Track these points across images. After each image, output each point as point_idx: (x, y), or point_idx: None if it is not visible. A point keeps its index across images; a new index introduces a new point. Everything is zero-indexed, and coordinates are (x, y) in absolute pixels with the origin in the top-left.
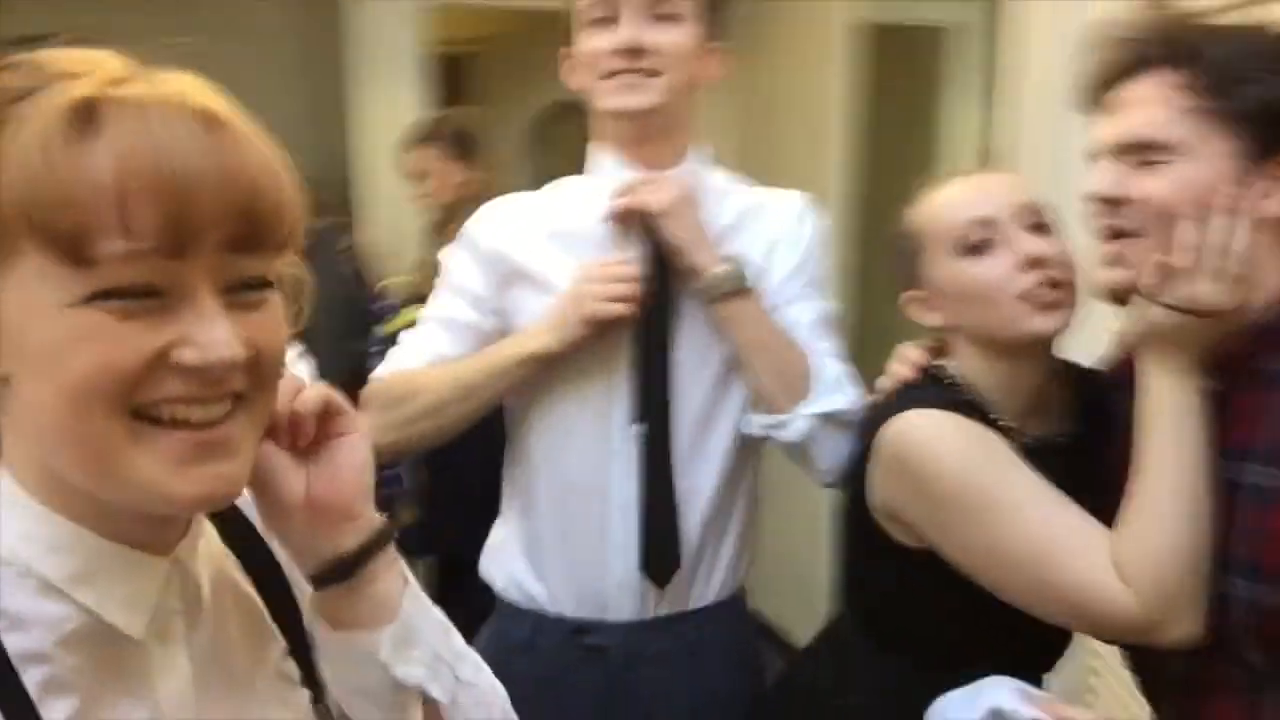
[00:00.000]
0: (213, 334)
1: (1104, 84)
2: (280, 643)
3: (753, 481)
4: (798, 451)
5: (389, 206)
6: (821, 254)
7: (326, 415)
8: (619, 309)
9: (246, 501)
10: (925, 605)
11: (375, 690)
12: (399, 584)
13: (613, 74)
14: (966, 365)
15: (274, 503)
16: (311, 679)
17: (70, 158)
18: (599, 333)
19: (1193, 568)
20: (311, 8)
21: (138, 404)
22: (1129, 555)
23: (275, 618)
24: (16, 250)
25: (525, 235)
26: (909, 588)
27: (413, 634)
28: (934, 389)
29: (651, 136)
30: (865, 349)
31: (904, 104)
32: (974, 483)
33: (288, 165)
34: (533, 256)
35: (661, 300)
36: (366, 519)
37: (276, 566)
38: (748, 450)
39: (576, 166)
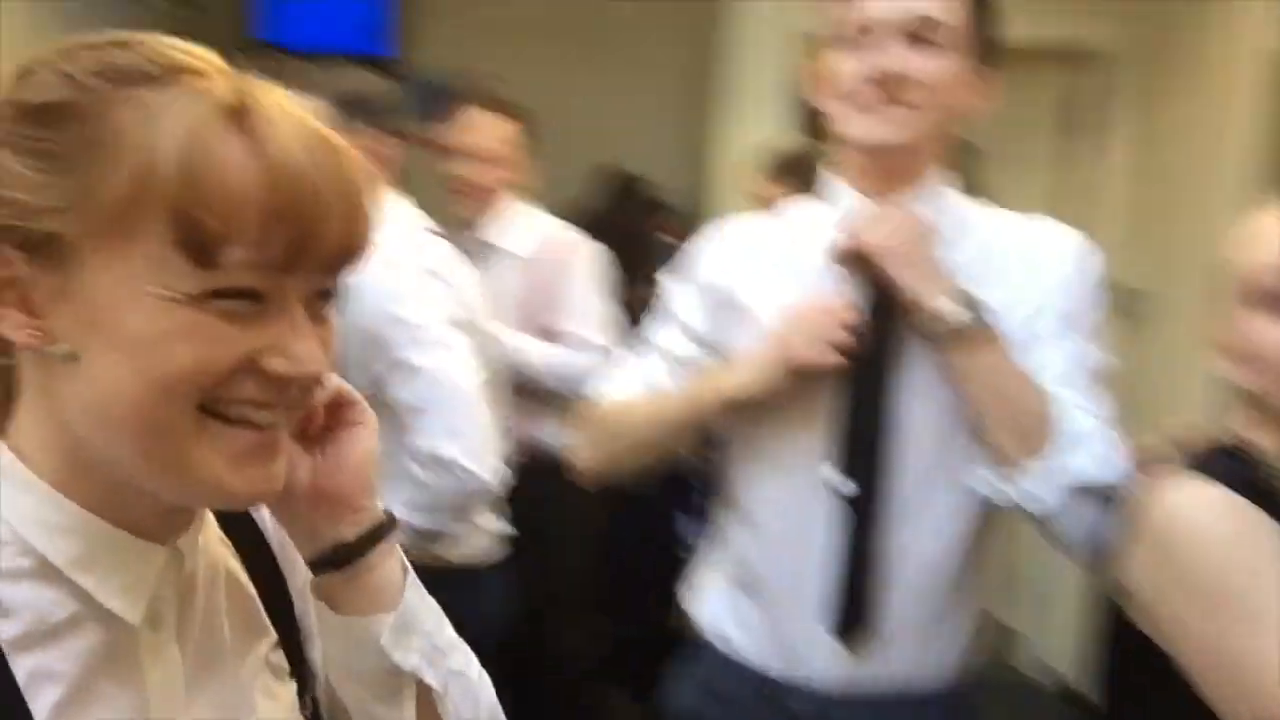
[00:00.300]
0: (304, 347)
1: None
2: (271, 635)
3: (993, 554)
4: (1040, 520)
5: None
6: (1093, 295)
7: (337, 404)
8: (824, 357)
9: None
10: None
11: (371, 675)
12: (398, 573)
13: (865, 102)
14: (1270, 438)
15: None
16: (299, 672)
17: (227, 159)
18: (803, 378)
19: None
20: (693, 43)
21: (210, 399)
22: None
23: (268, 609)
24: (136, 233)
25: (746, 264)
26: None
27: (412, 623)
28: (1226, 461)
29: (894, 171)
30: None
31: None
32: (1242, 583)
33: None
34: (751, 287)
35: (881, 344)
36: (368, 511)
37: (272, 558)
38: (987, 518)
39: None
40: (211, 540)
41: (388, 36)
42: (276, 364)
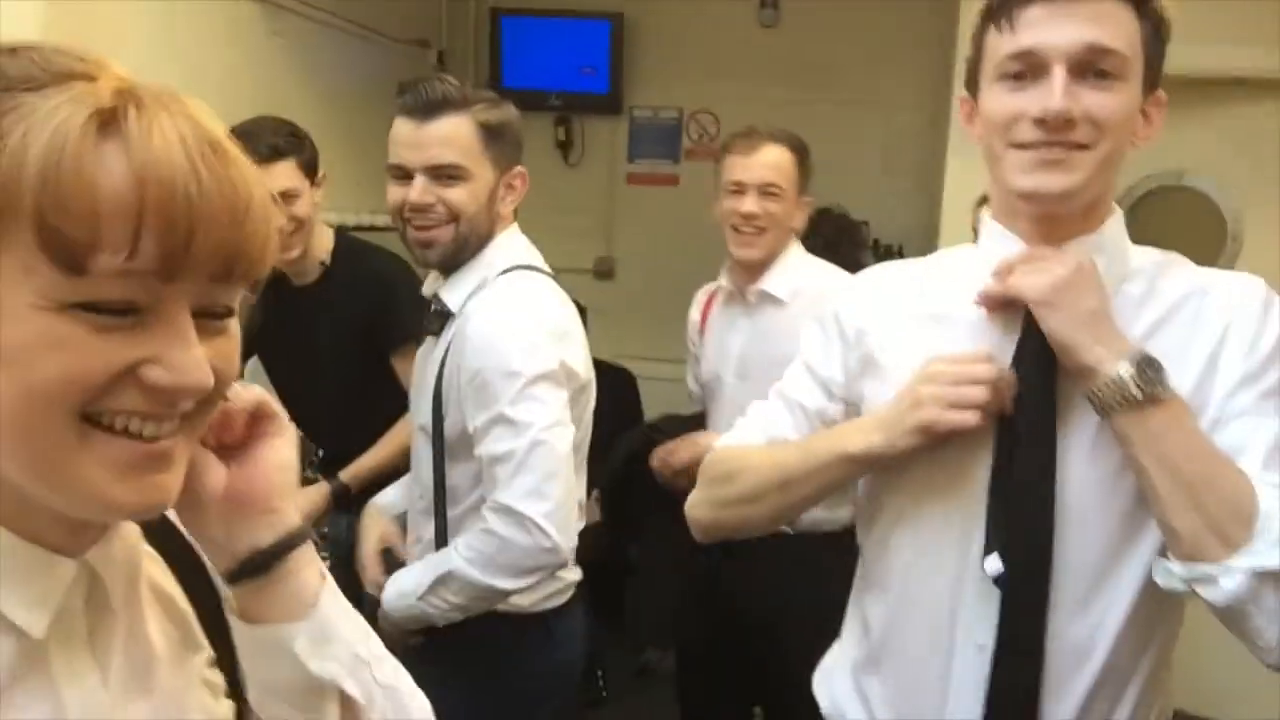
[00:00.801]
0: (187, 358)
1: None
2: (206, 650)
3: (1170, 645)
4: (1231, 616)
5: None
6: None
7: (257, 417)
8: (964, 418)
9: None
10: None
11: (289, 687)
12: (316, 581)
13: (1028, 145)
14: None
15: (191, 496)
16: (236, 691)
17: (93, 164)
18: (938, 444)
19: None
20: (934, 83)
21: (92, 410)
22: None
23: (203, 625)
24: (5, 240)
25: (888, 313)
26: None
27: (330, 631)
28: None
29: (1061, 217)
30: None
31: None
32: None
33: (273, 208)
34: (890, 338)
35: (1038, 410)
36: (284, 515)
37: (205, 574)
38: (1163, 603)
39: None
40: (134, 554)
41: (610, 76)
42: (156, 375)
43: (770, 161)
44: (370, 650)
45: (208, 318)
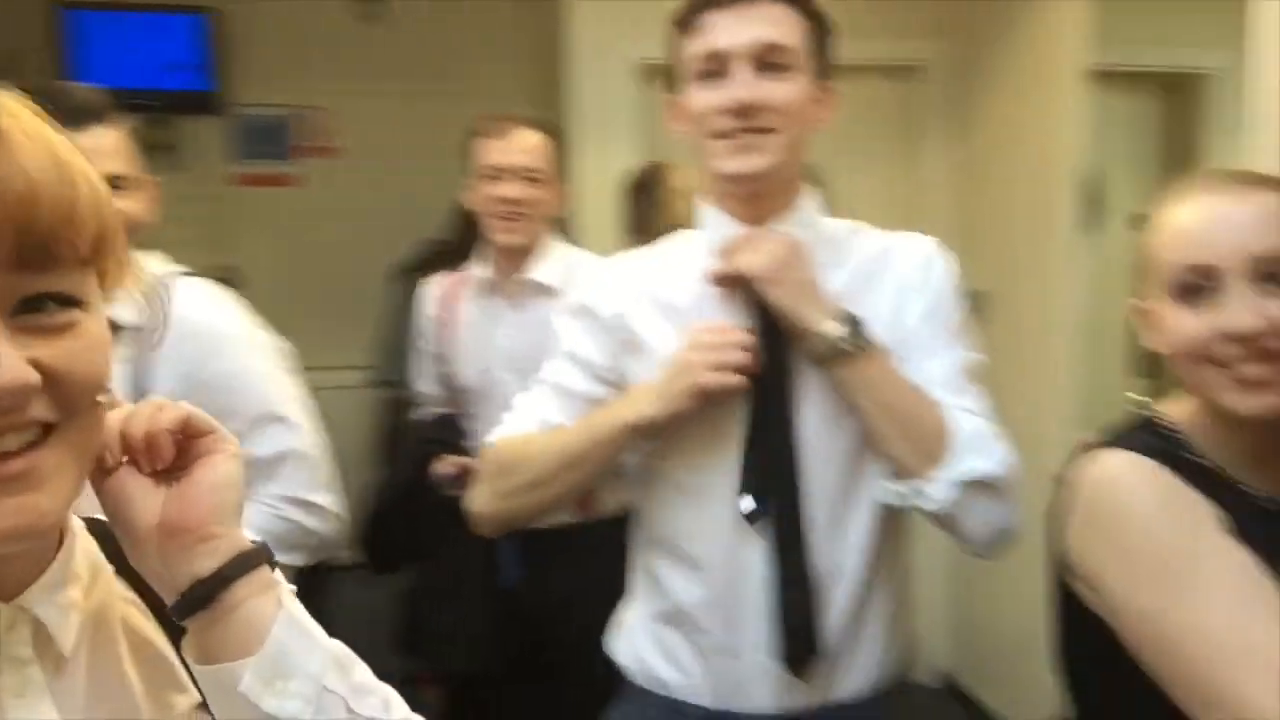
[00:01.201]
0: None
1: None
2: (192, 694)
3: (904, 556)
4: (945, 522)
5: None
6: (954, 299)
7: (189, 435)
8: (728, 380)
9: None
10: (1145, 699)
11: None
12: (269, 609)
13: (724, 134)
14: (1188, 410)
15: (128, 531)
16: None
17: None
18: (706, 404)
19: None
20: (544, 75)
21: None
22: None
23: (188, 669)
24: None
25: (635, 296)
26: (1122, 676)
27: (286, 663)
28: (1146, 436)
29: (764, 194)
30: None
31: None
32: (1174, 544)
33: (92, 180)
34: (642, 318)
35: (777, 368)
36: (227, 539)
37: None
38: (893, 523)
39: None
40: (103, 599)
41: (208, 73)
42: None
43: (529, 146)
44: (348, 682)
45: (34, 313)
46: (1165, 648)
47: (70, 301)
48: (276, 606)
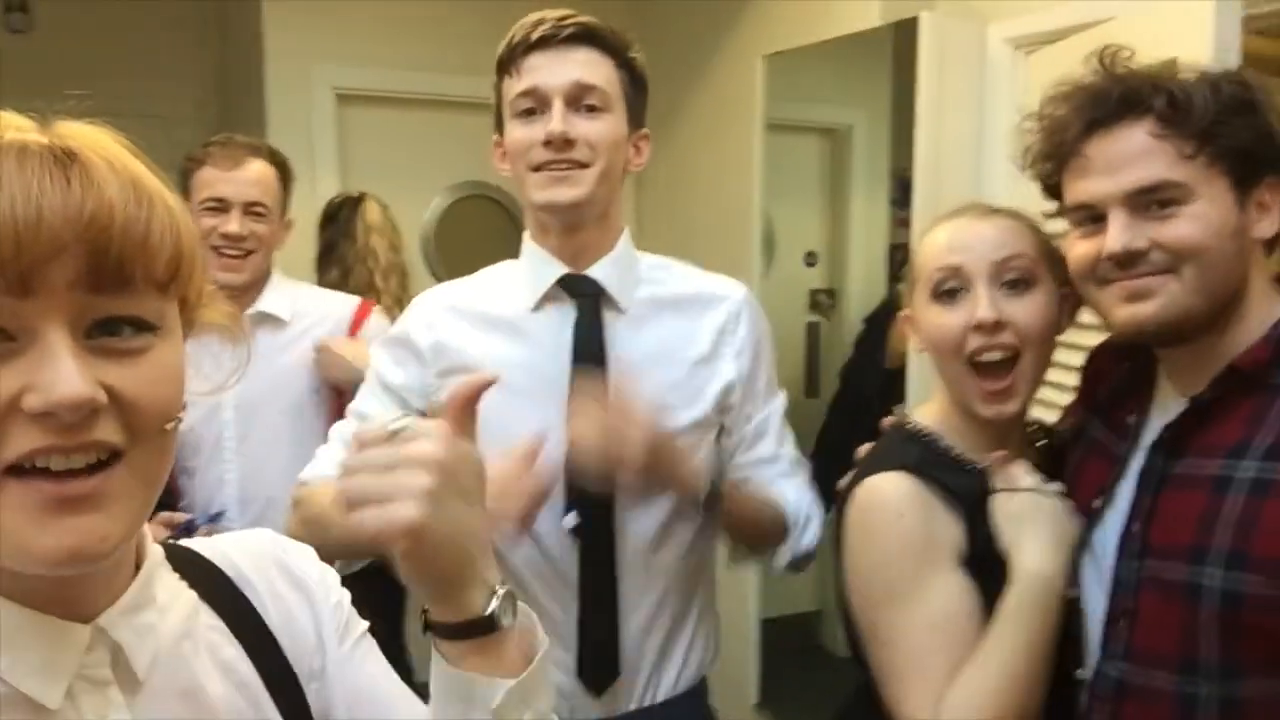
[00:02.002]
0: (56, 373)
1: (1076, 139)
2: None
3: (711, 575)
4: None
5: None
6: (770, 344)
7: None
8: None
9: (240, 572)
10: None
11: None
12: (537, 642)
13: (542, 166)
14: (941, 402)
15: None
16: None
17: None
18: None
19: None
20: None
21: (8, 462)
22: (949, 707)
23: (271, 693)
24: None
25: (457, 322)
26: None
27: (530, 695)
28: (903, 445)
29: (581, 226)
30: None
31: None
32: (900, 571)
33: (171, 206)
34: (467, 340)
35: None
36: (481, 583)
37: (273, 641)
38: (704, 542)
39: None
40: (185, 624)
41: None
42: (31, 400)
43: (256, 177)
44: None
45: (106, 336)
46: (873, 647)
47: (145, 326)
48: (542, 641)
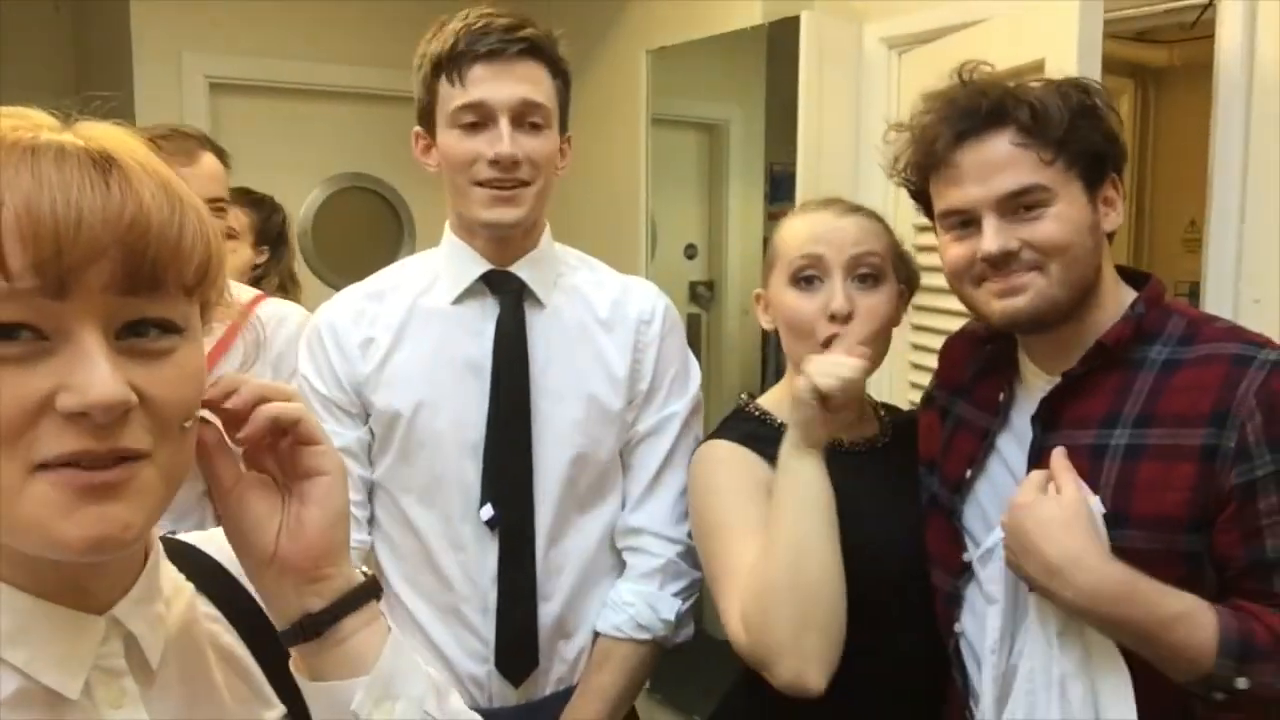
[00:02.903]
0: (91, 375)
1: (946, 149)
2: (278, 707)
3: (619, 561)
4: None
5: None
6: (682, 342)
7: (298, 440)
8: None
9: (233, 561)
10: None
11: None
12: (378, 638)
13: (486, 183)
14: (784, 385)
15: (244, 552)
16: None
17: None
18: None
19: (798, 624)
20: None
21: (39, 463)
22: (744, 598)
23: (274, 682)
24: None
25: (385, 317)
26: None
27: (392, 688)
28: (737, 423)
29: (513, 239)
30: None
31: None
32: (712, 503)
33: (199, 210)
34: (402, 332)
35: (517, 385)
36: (338, 577)
37: (271, 629)
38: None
39: None
40: (188, 613)
41: None
42: (65, 401)
43: (211, 172)
44: (444, 708)
45: (137, 337)
46: (706, 576)
47: (172, 328)
48: (385, 633)
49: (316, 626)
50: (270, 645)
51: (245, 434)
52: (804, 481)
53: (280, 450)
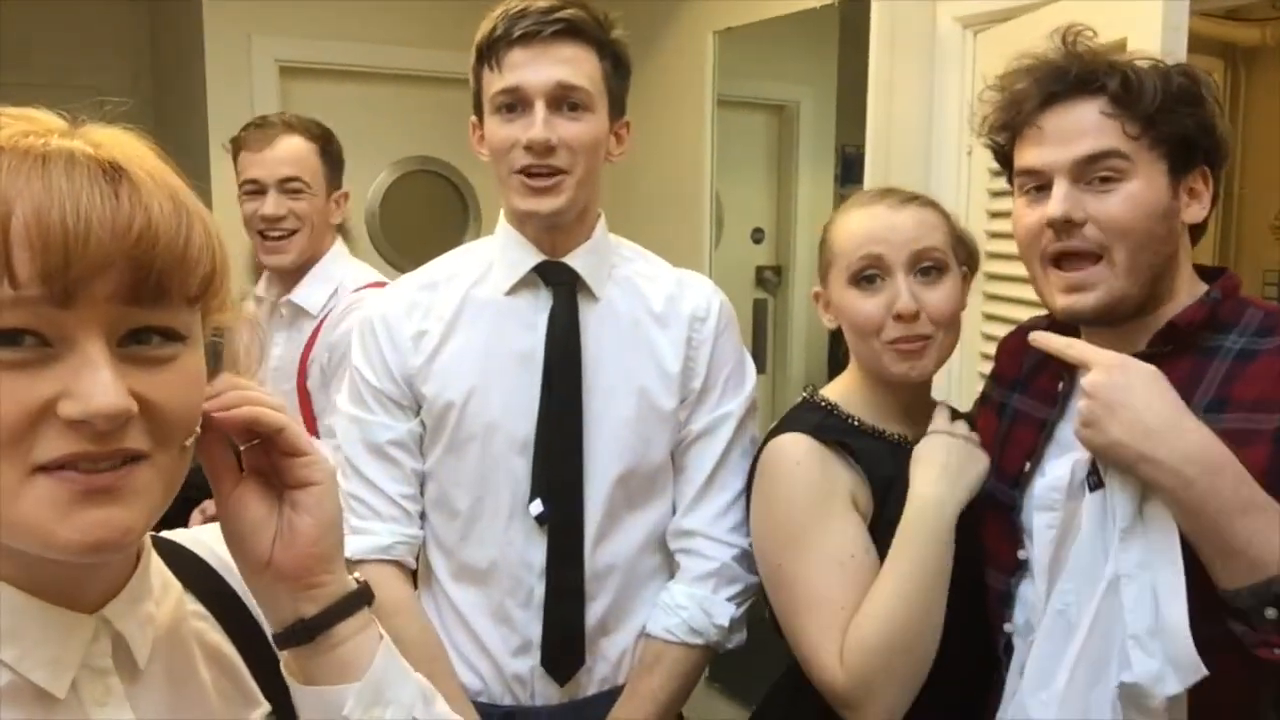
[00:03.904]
0: (94, 384)
1: (1032, 111)
2: (263, 705)
3: (667, 556)
4: None
5: None
6: (738, 339)
7: (283, 451)
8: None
9: (221, 560)
10: None
11: None
12: (370, 645)
13: (523, 170)
14: (849, 377)
15: (240, 557)
16: None
17: None
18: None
19: (904, 673)
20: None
21: (39, 464)
22: (851, 640)
23: (260, 680)
24: None
25: (439, 309)
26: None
27: (383, 694)
28: (805, 414)
29: (559, 228)
30: None
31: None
32: (800, 515)
33: (206, 221)
34: (456, 324)
35: (570, 389)
36: (332, 583)
37: (257, 628)
38: (663, 533)
39: None
40: (175, 612)
41: None
42: (67, 408)
43: (286, 154)
44: (432, 714)
45: (139, 345)
46: (776, 593)
47: (174, 336)
48: (377, 639)
49: (310, 631)
50: (257, 643)
51: (217, 421)
52: (945, 540)
53: (274, 458)
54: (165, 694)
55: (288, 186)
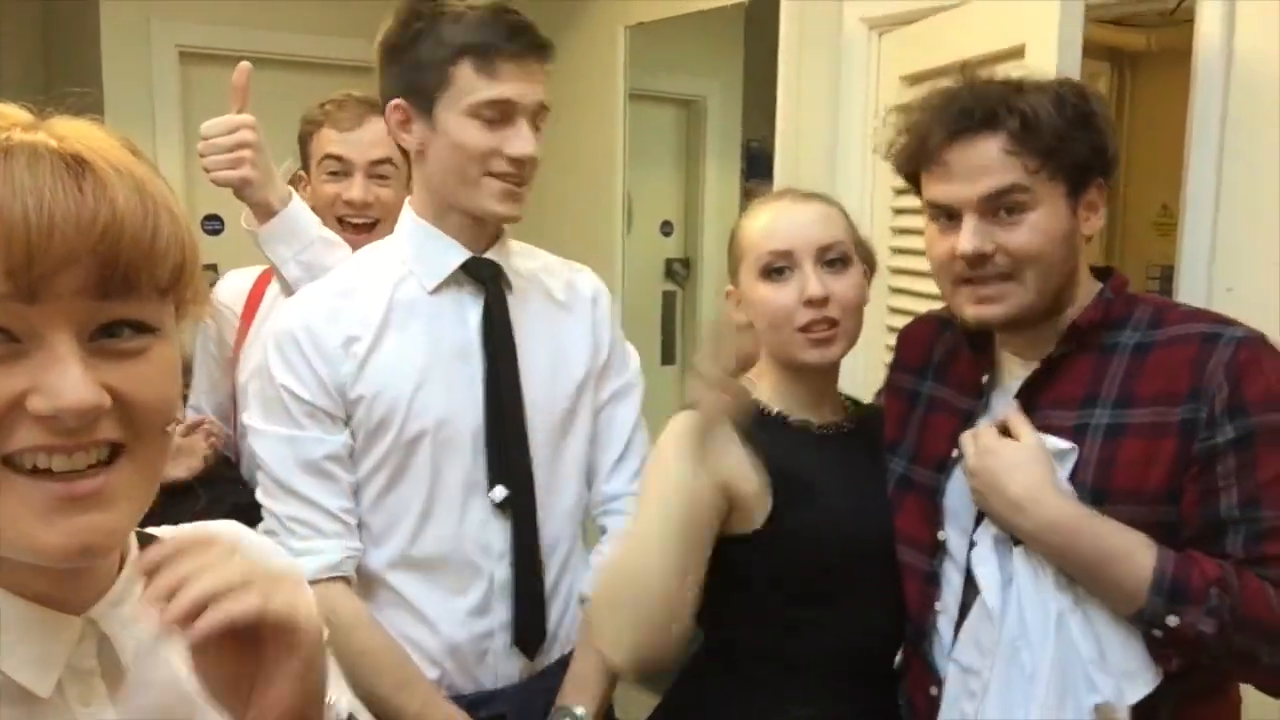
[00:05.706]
0: (63, 380)
1: (938, 146)
2: None
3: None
4: None
5: None
6: (617, 324)
7: (260, 636)
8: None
9: None
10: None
11: None
12: None
13: (501, 177)
14: (759, 367)
15: (219, 708)
16: None
17: None
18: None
19: (630, 617)
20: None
21: (8, 452)
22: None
23: None
24: None
25: (365, 311)
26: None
27: None
28: None
29: (491, 230)
30: None
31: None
32: (653, 471)
33: (174, 211)
34: (382, 328)
35: (510, 380)
36: None
37: None
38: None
39: None
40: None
41: None
42: (36, 403)
43: (379, 137)
44: None
45: (109, 338)
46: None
47: (145, 328)
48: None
49: None
50: None
51: (193, 640)
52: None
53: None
54: (150, 694)
55: (377, 170)
